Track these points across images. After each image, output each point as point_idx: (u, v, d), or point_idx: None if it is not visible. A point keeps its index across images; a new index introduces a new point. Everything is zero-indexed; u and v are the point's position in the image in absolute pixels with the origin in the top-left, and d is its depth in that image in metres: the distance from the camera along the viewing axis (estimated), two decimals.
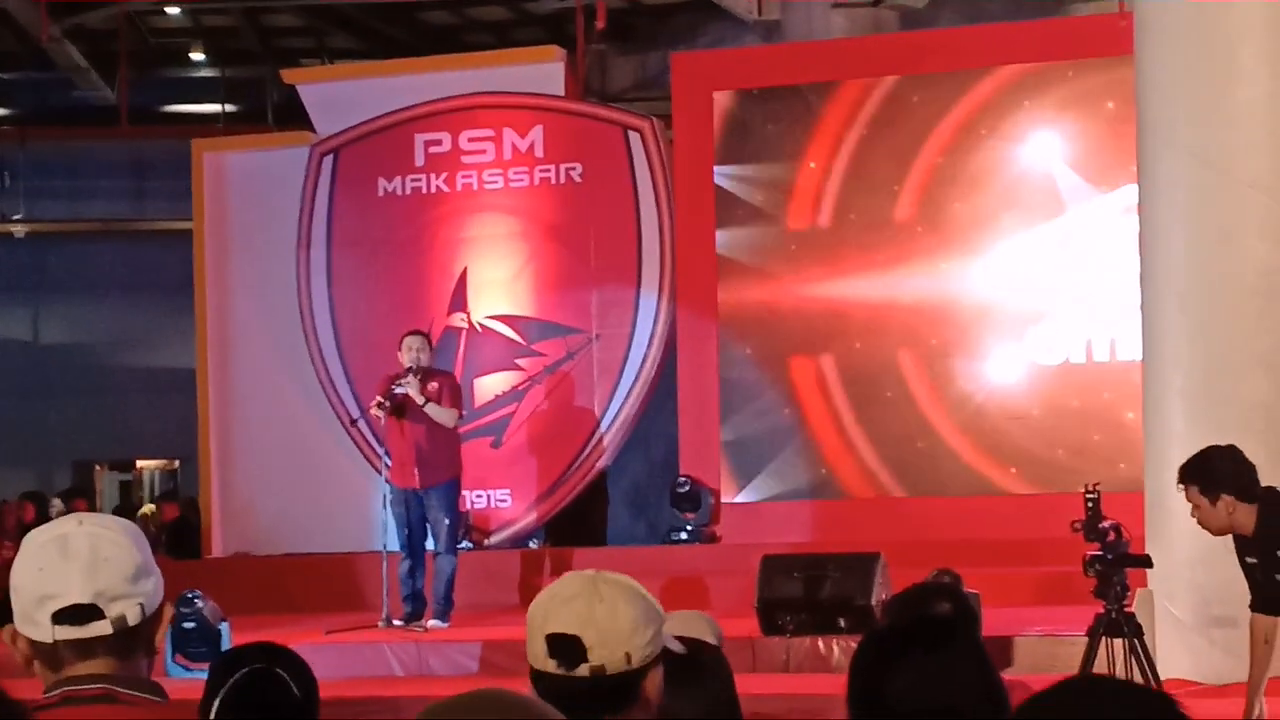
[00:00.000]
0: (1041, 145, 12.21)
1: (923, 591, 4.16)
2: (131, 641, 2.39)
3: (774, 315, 12.61)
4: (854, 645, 2.68)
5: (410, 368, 10.60)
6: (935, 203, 12.36)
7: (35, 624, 2.36)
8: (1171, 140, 8.20)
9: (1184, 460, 6.50)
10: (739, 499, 12.54)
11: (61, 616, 2.35)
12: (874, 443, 12.34)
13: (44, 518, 14.17)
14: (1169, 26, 8.24)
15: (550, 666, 2.56)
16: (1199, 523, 6.40)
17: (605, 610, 2.57)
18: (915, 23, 14.54)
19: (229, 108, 19.82)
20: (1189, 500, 6.36)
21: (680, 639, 3.26)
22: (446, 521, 10.62)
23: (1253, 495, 6.29)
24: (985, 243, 12.25)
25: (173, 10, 18.52)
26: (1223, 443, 6.59)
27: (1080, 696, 1.77)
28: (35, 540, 2.42)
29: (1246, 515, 6.28)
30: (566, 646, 2.55)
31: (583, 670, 2.55)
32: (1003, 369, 12.17)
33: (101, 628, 2.35)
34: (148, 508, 16.57)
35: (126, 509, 19.08)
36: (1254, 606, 6.44)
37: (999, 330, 12.18)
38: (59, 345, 19.89)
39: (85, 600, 2.35)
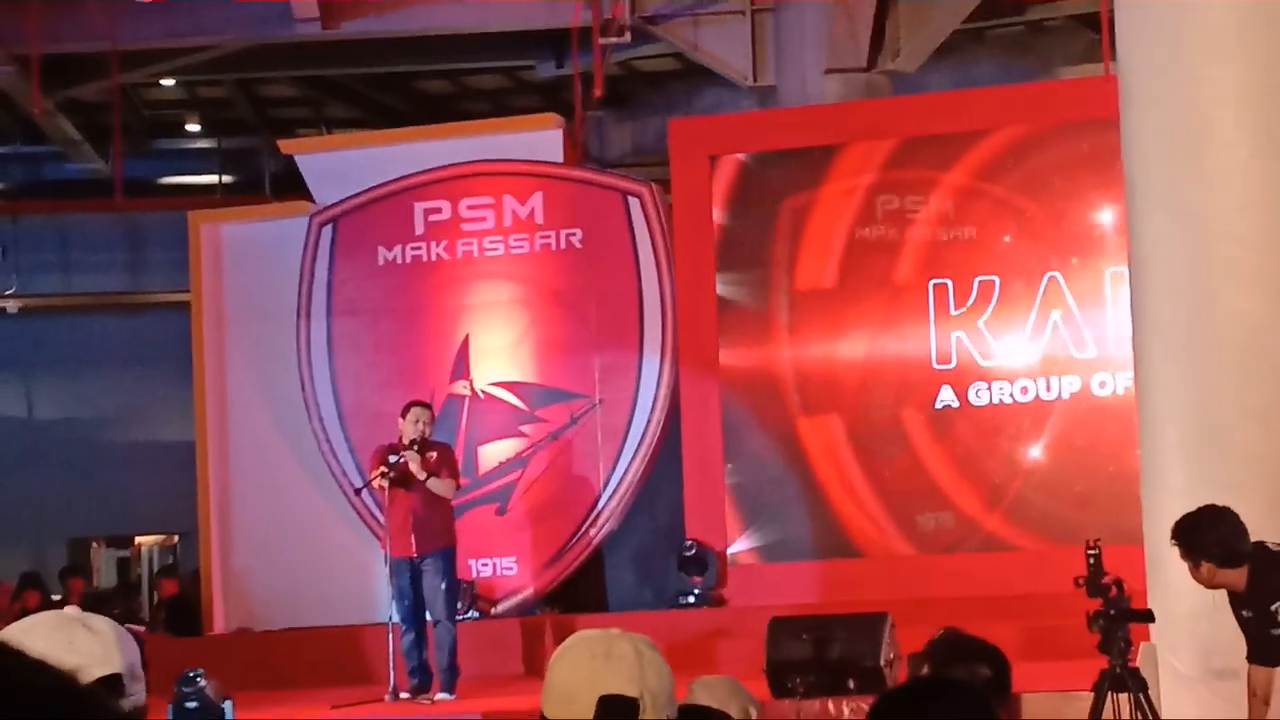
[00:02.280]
0: (1037, 203, 12.29)
1: (968, 646, 4.06)
2: None
3: (777, 377, 12.63)
4: (864, 706, 2.68)
5: (412, 440, 10.59)
6: (933, 263, 12.41)
7: None
8: (1158, 201, 8.34)
9: (1180, 514, 6.66)
10: (745, 552, 12.51)
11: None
12: (879, 501, 12.33)
13: (48, 604, 13.99)
14: (1151, 91, 8.38)
15: None
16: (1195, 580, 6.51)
17: (653, 671, 2.53)
18: (907, 87, 14.67)
19: (226, 179, 19.87)
20: (1182, 559, 6.48)
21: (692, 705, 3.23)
22: (443, 588, 10.57)
23: (1238, 560, 6.45)
24: (983, 301, 12.29)
25: (167, 82, 18.58)
26: (1219, 498, 6.73)
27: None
28: (53, 618, 2.36)
29: (1233, 576, 6.47)
30: (622, 708, 2.49)
31: None
32: (1003, 427, 12.20)
33: (118, 707, 2.27)
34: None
35: (124, 586, 18.96)
36: (1250, 658, 6.60)
37: (998, 387, 12.21)
38: (54, 420, 19.84)
39: (119, 670, 2.30)
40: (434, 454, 10.68)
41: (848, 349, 12.53)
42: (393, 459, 10.56)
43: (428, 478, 10.55)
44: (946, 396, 12.31)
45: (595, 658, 2.54)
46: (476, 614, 12.46)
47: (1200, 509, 6.60)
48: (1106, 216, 11.84)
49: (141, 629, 14.15)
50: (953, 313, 12.34)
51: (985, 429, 12.27)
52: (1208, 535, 6.47)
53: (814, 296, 12.64)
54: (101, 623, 2.38)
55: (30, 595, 15.08)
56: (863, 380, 12.47)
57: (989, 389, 12.24)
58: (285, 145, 14.72)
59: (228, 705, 9.71)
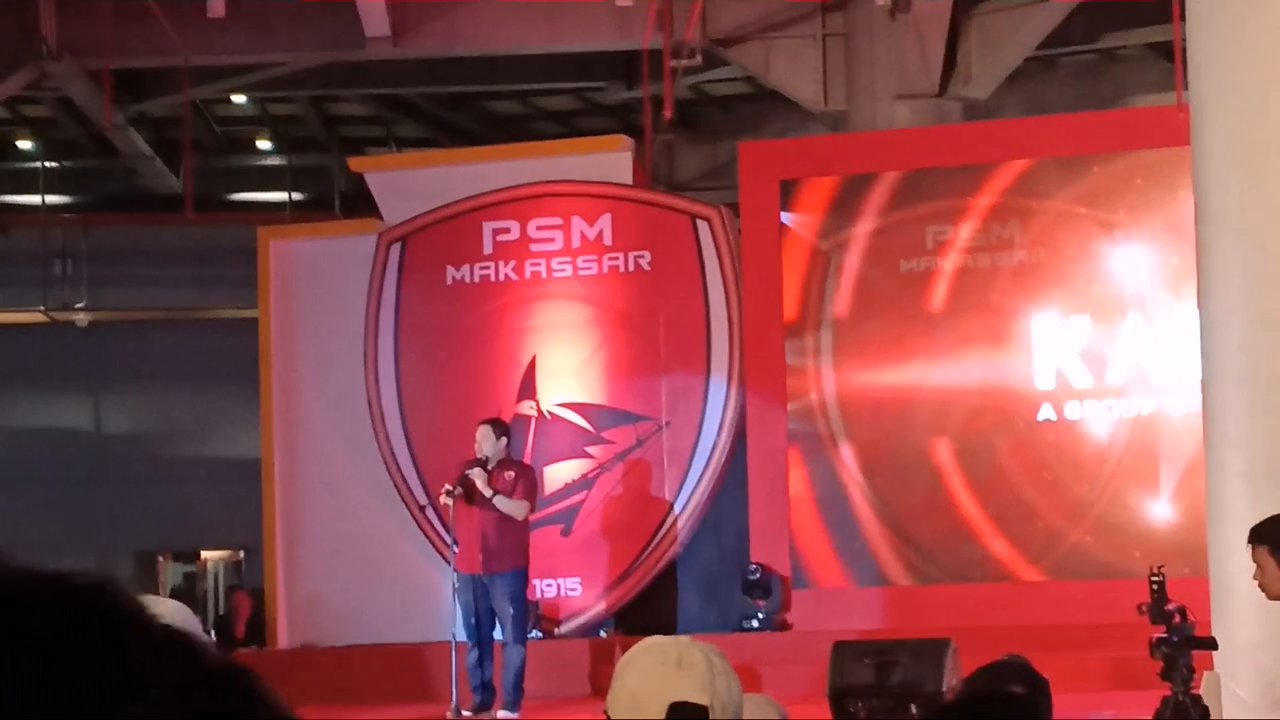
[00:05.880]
0: (1107, 229, 12.23)
1: (997, 671, 4.11)
2: None
3: (847, 401, 12.61)
4: None
5: (479, 458, 10.63)
6: (1004, 288, 12.37)
7: None
8: (1228, 228, 8.28)
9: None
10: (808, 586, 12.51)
11: None
12: (942, 529, 12.29)
13: None
14: (1223, 120, 8.33)
15: None
16: (1260, 585, 6.40)
17: (723, 680, 2.55)
18: (978, 114, 14.61)
19: (296, 196, 19.96)
20: (1254, 560, 6.36)
21: None
22: (512, 611, 10.57)
23: None
24: (1062, 328, 12.25)
25: (239, 99, 18.70)
26: None
27: None
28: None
29: None
30: (693, 715, 2.50)
31: None
32: (1070, 451, 12.13)
33: None
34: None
35: (189, 600, 19.11)
36: None
37: (1063, 415, 12.15)
38: (122, 434, 20.00)
39: None
40: (511, 473, 10.71)
41: (905, 375, 12.48)
42: (469, 472, 10.61)
43: (494, 495, 10.56)
44: (1005, 423, 12.26)
45: (666, 665, 2.54)
46: (540, 634, 12.47)
47: None
48: (1176, 243, 11.76)
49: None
50: (1028, 337, 12.29)
51: (1045, 461, 12.19)
52: None
53: (870, 323, 12.61)
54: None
55: None
56: (930, 404, 12.43)
57: (1074, 409, 12.16)
58: (355, 163, 14.79)
59: None
